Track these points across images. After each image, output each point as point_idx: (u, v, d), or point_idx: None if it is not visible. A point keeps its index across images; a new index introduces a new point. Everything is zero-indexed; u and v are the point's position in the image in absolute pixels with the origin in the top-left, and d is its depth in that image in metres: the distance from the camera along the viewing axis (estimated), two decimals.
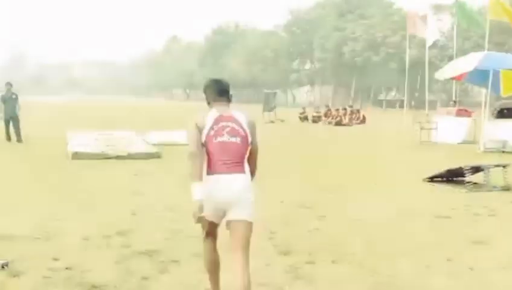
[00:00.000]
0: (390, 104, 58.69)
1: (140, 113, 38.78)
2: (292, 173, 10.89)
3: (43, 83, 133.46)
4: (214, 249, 3.80)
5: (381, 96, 68.71)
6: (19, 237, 5.65)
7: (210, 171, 3.51)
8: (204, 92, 3.81)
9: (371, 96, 65.86)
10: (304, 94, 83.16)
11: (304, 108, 34.24)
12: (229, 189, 3.48)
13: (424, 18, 25.20)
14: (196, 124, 3.58)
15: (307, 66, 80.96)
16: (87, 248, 5.36)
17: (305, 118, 31.54)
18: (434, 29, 25.68)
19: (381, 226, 6.42)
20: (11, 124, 16.11)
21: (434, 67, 35.51)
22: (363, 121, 29.34)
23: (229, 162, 3.50)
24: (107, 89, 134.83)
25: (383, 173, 11.06)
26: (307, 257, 5.16)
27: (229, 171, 3.49)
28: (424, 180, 9.74)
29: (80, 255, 5.09)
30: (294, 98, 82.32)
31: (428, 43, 26.63)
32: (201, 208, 3.43)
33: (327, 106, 33.47)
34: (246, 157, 3.63)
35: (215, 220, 3.63)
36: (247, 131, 3.63)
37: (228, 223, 3.56)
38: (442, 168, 9.67)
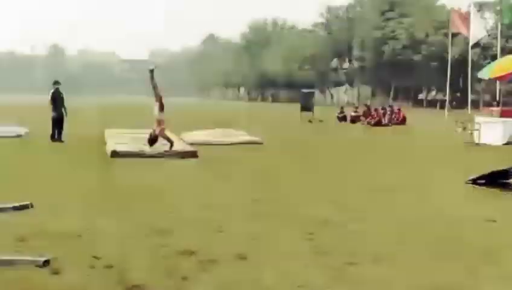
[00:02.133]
0: (431, 104, 57.56)
1: (176, 113, 38.99)
2: (331, 173, 10.76)
3: (81, 82, 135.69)
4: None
5: (422, 96, 67.52)
6: (60, 235, 5.71)
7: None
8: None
9: (411, 95, 64.83)
10: (342, 93, 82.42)
11: (342, 107, 33.75)
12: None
13: (467, 16, 24.66)
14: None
15: (345, 65, 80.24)
16: (127, 246, 5.37)
17: (344, 118, 31.11)
18: (479, 27, 25.05)
19: (424, 229, 6.26)
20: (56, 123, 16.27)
21: (477, 66, 34.73)
22: (403, 121, 28.78)
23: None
24: (144, 89, 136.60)
25: (426, 174, 10.82)
26: (347, 258, 5.06)
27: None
28: (466, 182, 9.45)
29: (120, 254, 5.10)
30: (332, 97, 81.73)
31: (472, 41, 26.01)
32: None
33: (366, 106, 32.94)
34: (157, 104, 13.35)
35: None
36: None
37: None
38: (486, 170, 9.38)
